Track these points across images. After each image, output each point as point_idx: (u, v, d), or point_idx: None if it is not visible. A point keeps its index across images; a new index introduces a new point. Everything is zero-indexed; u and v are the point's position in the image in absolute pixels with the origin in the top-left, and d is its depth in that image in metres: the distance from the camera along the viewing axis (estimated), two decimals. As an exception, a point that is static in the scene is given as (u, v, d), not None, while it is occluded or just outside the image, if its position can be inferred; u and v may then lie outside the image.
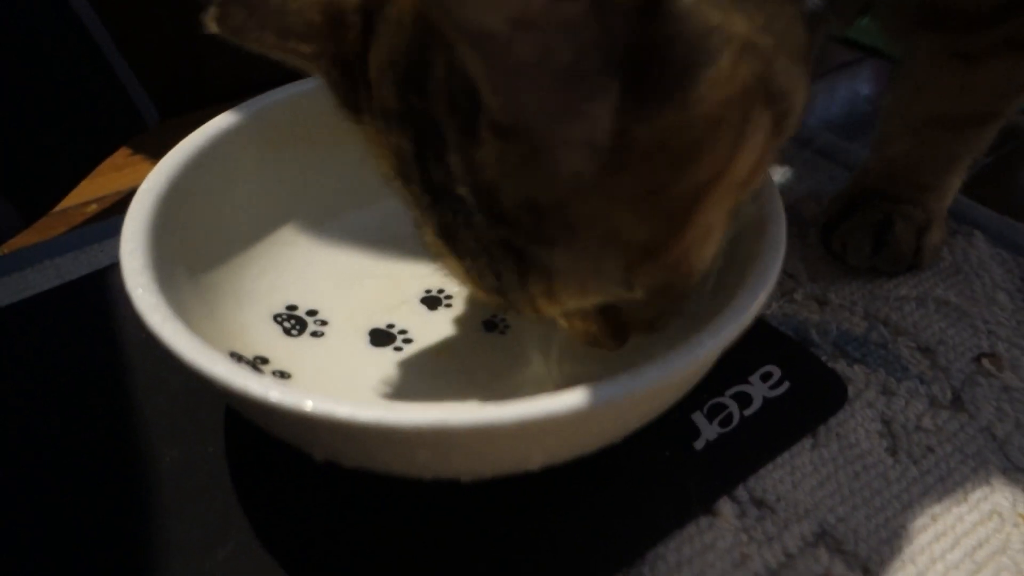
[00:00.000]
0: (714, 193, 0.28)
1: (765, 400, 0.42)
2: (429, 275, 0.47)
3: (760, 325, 0.47)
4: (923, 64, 0.46)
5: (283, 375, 0.40)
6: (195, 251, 0.41)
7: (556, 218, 0.27)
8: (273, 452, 0.38)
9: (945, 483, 0.40)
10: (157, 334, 0.31)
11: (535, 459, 0.32)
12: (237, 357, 0.38)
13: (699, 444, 0.40)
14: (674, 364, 0.30)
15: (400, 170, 0.31)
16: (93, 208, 0.61)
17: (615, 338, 0.37)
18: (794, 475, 0.40)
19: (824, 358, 0.45)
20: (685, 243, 0.30)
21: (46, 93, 0.55)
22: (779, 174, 0.61)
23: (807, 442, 0.41)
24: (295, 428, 0.31)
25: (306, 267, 0.47)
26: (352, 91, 0.31)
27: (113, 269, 0.51)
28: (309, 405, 0.27)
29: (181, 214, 0.40)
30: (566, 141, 0.25)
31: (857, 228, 0.51)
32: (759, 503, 0.39)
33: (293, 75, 0.38)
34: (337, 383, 0.41)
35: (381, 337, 0.44)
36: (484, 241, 0.29)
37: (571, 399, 0.28)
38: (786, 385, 0.43)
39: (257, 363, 0.40)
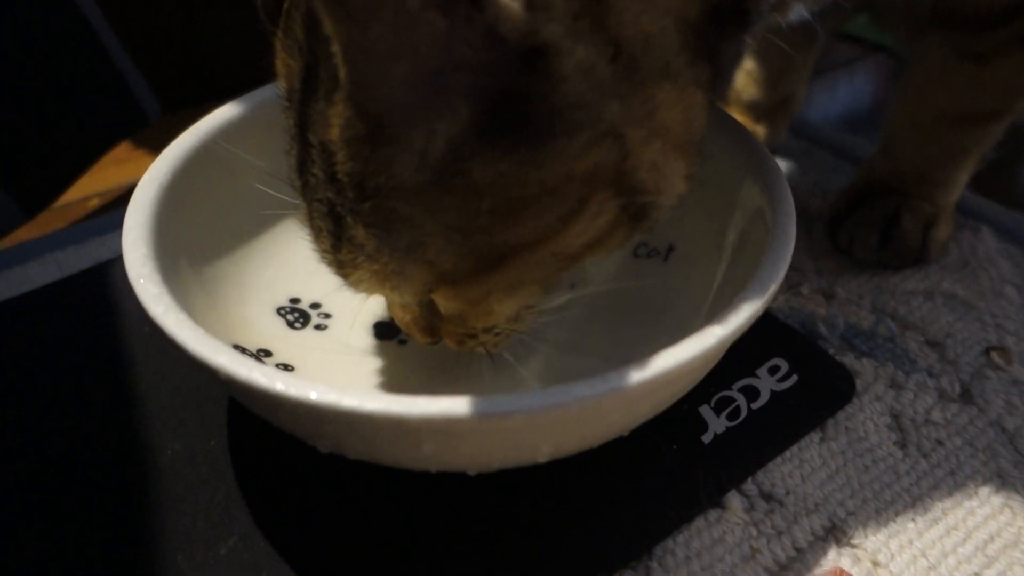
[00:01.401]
0: (530, 256, 0.28)
1: (773, 393, 0.42)
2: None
3: (767, 318, 0.46)
4: (933, 62, 0.45)
5: (287, 368, 0.39)
6: (198, 243, 0.40)
7: (375, 206, 0.27)
8: (276, 445, 0.38)
9: (955, 477, 0.39)
10: (160, 323, 0.31)
11: (543, 451, 0.31)
12: (240, 350, 0.38)
13: (707, 437, 0.40)
14: (684, 354, 0.29)
15: (288, 96, 0.31)
16: (95, 202, 0.61)
17: (425, 332, 0.37)
18: (803, 469, 0.40)
19: (832, 351, 0.45)
20: (486, 288, 0.30)
21: (47, 85, 0.54)
22: (783, 168, 0.61)
23: (815, 436, 0.41)
24: (301, 419, 0.31)
25: (308, 260, 0.46)
26: (276, 5, 0.31)
27: (115, 263, 0.50)
28: (314, 395, 0.27)
29: (183, 205, 0.39)
30: (401, 141, 0.25)
31: (864, 222, 0.51)
32: (768, 497, 0.38)
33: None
34: (341, 376, 0.40)
35: (385, 330, 0.43)
36: (319, 194, 0.29)
37: (580, 389, 0.28)
38: (794, 378, 0.43)
39: (260, 356, 0.39)
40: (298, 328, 0.43)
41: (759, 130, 0.60)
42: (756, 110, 0.60)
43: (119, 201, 0.61)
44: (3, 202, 0.52)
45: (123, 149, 0.57)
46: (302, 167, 0.30)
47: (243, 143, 0.44)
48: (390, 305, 0.38)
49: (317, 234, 0.31)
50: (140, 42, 0.62)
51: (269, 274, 0.44)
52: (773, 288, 0.32)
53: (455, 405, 0.27)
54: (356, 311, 0.44)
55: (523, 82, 0.24)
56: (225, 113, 0.43)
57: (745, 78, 0.60)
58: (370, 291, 0.32)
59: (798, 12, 0.36)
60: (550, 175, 0.26)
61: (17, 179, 0.53)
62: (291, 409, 0.28)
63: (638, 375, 0.28)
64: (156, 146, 0.62)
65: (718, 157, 0.42)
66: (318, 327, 0.43)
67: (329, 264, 0.32)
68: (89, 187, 0.61)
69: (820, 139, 0.63)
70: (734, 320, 0.31)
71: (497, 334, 0.36)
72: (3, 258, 0.51)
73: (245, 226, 0.44)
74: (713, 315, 0.31)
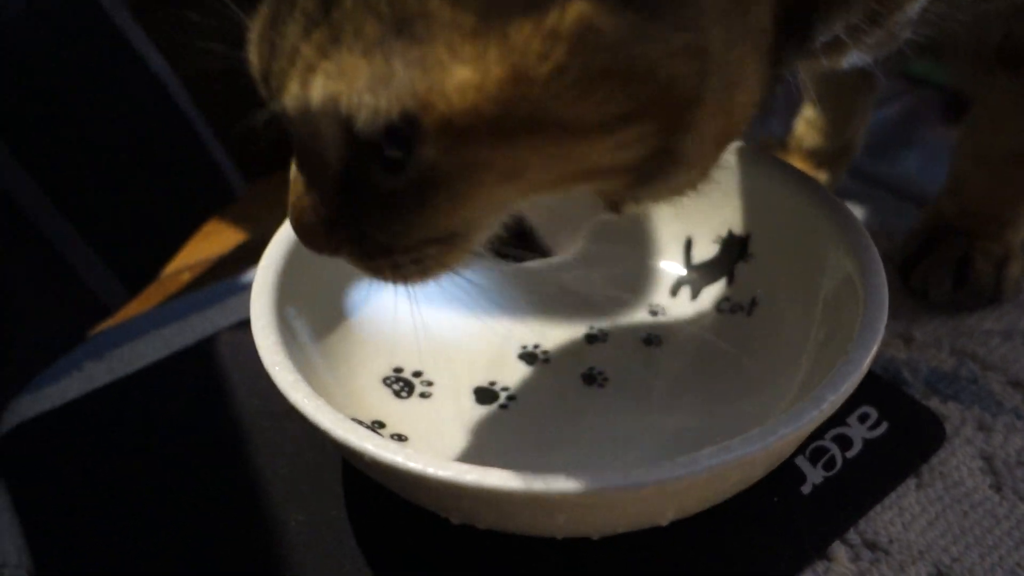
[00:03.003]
0: (553, 144, 0.26)
1: (865, 441, 0.43)
2: (524, 332, 0.49)
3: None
4: (1000, 103, 0.47)
5: (400, 438, 0.42)
6: (312, 320, 0.43)
7: None
8: (395, 513, 0.40)
9: (1055, 519, 0.40)
10: (301, 409, 0.33)
11: (667, 515, 0.33)
12: (357, 422, 0.40)
13: (806, 488, 0.41)
14: (802, 420, 0.31)
15: None
16: (186, 276, 0.64)
17: (322, 229, 0.30)
18: (903, 516, 0.41)
19: (917, 396, 0.46)
20: (479, 158, 0.26)
21: (144, 167, 0.58)
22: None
23: (911, 482, 0.42)
24: (443, 497, 0.33)
25: (407, 328, 0.48)
26: None
27: (217, 338, 0.53)
28: (468, 477, 0.29)
29: (297, 288, 0.42)
30: None
31: (937, 265, 0.52)
32: (872, 546, 0.39)
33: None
34: (451, 444, 0.42)
35: (485, 395, 0.45)
36: None
37: (709, 459, 0.29)
38: (884, 426, 0.44)
39: (375, 428, 0.41)
40: (404, 397, 0.45)
41: (821, 176, 0.62)
42: (817, 157, 0.62)
43: (210, 273, 0.64)
44: (108, 281, 0.55)
45: (209, 223, 0.60)
46: None
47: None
48: (292, 182, 0.31)
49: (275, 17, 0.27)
50: (222, 120, 0.65)
51: (372, 345, 0.46)
52: (875, 348, 0.34)
53: (594, 480, 0.29)
54: (456, 377, 0.46)
55: None
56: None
57: (805, 126, 0.61)
58: (316, 100, 0.26)
59: (854, 59, 0.37)
60: (635, 59, 0.25)
61: (120, 258, 0.56)
62: (436, 488, 0.30)
63: (762, 441, 0.30)
64: (239, 217, 0.65)
65: (803, 215, 0.44)
66: (423, 395, 0.45)
67: (270, 55, 0.27)
68: (181, 261, 0.64)
69: (879, 180, 0.65)
70: (843, 386, 0.32)
71: (417, 260, 0.30)
72: (113, 336, 0.54)
73: (347, 300, 0.47)
74: (814, 378, 0.33)
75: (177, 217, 0.59)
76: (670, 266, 0.51)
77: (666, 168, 0.28)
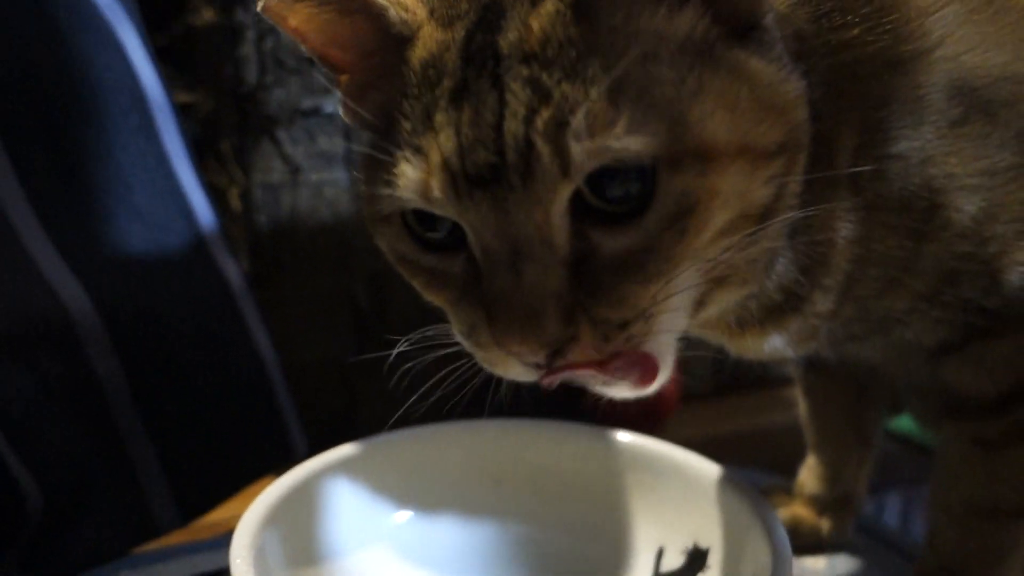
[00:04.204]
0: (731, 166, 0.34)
1: None
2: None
3: None
4: (951, 451, 0.49)
5: None
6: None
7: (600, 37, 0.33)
8: None
9: None
10: None
11: None
12: None
13: None
14: None
15: (437, 60, 0.35)
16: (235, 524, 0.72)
17: (561, 316, 0.34)
18: None
19: None
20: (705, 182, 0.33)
21: (219, 405, 0.68)
22: (851, 566, 0.63)
23: None
24: None
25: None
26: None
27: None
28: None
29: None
30: None
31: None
32: None
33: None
34: None
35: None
36: (504, 80, 0.33)
37: None
38: None
39: None
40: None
41: (823, 524, 0.64)
42: (818, 503, 0.65)
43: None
44: (168, 504, 0.63)
45: (272, 479, 0.70)
46: (463, 88, 0.34)
47: (349, 478, 0.54)
48: (525, 291, 0.34)
49: (484, 124, 0.33)
50: (300, 384, 0.77)
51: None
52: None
53: None
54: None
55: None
56: (339, 453, 0.55)
57: (807, 472, 0.65)
58: (548, 149, 0.32)
59: (775, 342, 0.45)
60: (781, 96, 0.35)
61: (183, 486, 0.65)
62: None
63: None
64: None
65: (746, 531, 0.47)
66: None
67: (495, 147, 0.33)
68: (233, 509, 0.72)
69: (887, 539, 0.66)
70: None
71: (647, 317, 0.35)
72: (151, 558, 0.61)
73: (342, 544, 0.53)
74: None
75: (238, 460, 0.69)
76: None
77: (769, 209, 0.36)
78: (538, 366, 0.36)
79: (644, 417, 0.67)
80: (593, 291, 0.34)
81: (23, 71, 0.58)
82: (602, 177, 0.33)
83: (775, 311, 0.44)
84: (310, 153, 0.78)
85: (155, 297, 0.64)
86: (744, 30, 0.36)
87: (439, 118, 0.34)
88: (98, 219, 0.61)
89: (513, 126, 0.33)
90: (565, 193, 0.33)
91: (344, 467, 0.54)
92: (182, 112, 0.75)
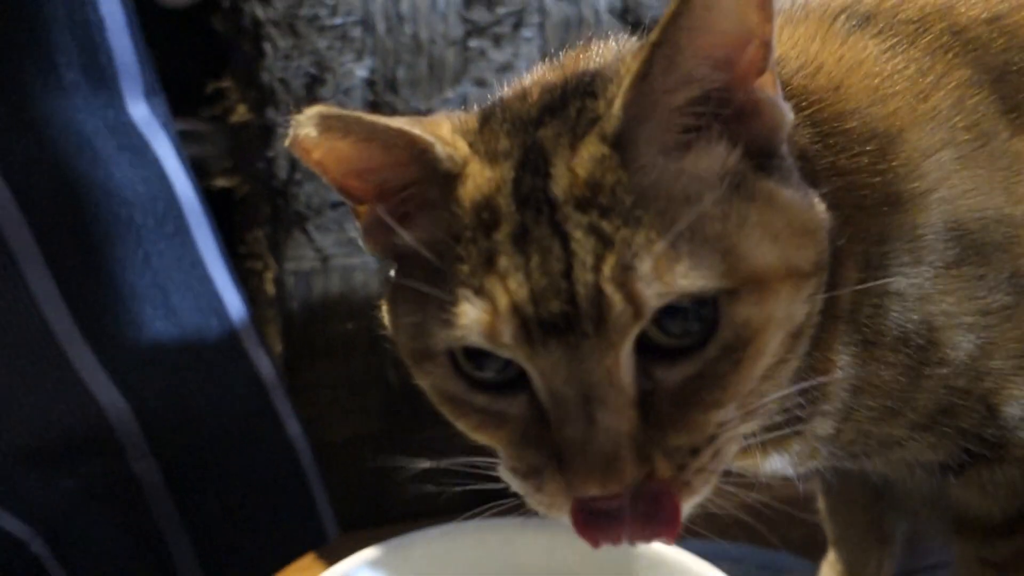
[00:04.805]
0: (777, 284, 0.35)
1: None
2: None
3: None
4: (962, 569, 0.49)
5: None
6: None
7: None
8: None
9: None
10: None
11: None
12: None
13: None
14: None
15: (490, 202, 0.36)
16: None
17: (638, 455, 0.34)
18: None
19: None
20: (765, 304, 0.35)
21: (253, 492, 0.72)
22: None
23: None
24: None
25: None
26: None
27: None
28: None
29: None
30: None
31: None
32: None
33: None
34: None
35: None
36: (565, 229, 0.34)
37: None
38: None
39: None
40: None
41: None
42: (839, 601, 0.64)
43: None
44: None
45: (305, 560, 0.72)
46: (521, 233, 0.35)
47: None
48: (600, 437, 0.34)
49: (553, 272, 0.34)
50: (332, 463, 0.80)
51: None
52: None
53: None
54: None
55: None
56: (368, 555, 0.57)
57: (828, 569, 0.65)
58: (619, 298, 0.33)
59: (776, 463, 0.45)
60: (809, 220, 0.37)
61: (216, 570, 0.68)
62: None
63: None
64: (327, 558, 0.76)
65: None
66: None
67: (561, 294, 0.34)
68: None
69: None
70: None
71: (715, 453, 0.36)
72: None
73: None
74: None
75: (275, 547, 0.71)
76: None
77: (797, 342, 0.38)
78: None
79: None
80: (661, 424, 0.35)
81: (62, 188, 0.62)
82: (663, 315, 0.35)
83: (777, 433, 0.44)
84: (340, 241, 0.81)
85: (189, 395, 0.67)
86: (765, 159, 0.38)
87: (503, 262, 0.35)
88: (134, 323, 0.65)
89: (583, 275, 0.34)
90: (634, 335, 0.35)
91: (368, 568, 0.56)
92: (221, 196, 0.79)
